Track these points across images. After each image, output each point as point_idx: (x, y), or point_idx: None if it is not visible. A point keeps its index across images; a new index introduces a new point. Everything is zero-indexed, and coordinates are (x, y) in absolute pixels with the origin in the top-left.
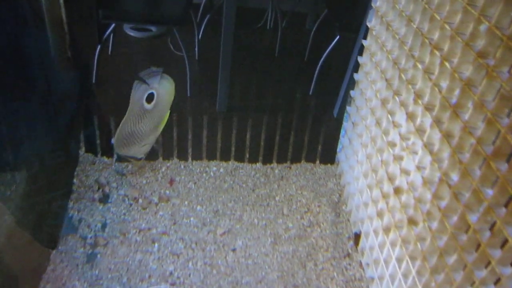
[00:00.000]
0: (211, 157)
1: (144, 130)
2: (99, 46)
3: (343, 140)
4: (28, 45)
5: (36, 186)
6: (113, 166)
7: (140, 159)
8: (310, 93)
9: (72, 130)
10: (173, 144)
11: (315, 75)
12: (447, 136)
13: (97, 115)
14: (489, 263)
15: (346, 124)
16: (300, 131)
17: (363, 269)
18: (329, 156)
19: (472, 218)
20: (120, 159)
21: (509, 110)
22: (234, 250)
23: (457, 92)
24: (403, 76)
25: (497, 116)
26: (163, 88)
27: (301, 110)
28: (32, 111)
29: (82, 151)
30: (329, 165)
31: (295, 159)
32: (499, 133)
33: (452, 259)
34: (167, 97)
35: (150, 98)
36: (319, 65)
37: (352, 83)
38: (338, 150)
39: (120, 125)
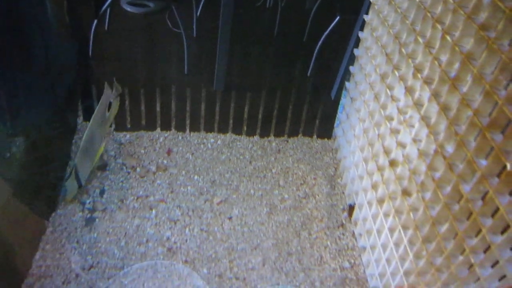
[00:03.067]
0: (209, 129)
1: (96, 140)
2: (95, 21)
3: (340, 115)
4: (26, 9)
5: (35, 151)
6: (111, 135)
7: (80, 185)
8: (309, 74)
9: (70, 98)
10: (171, 115)
11: (313, 56)
12: (444, 108)
13: (95, 85)
14: (480, 231)
15: (344, 100)
16: (298, 107)
17: (356, 239)
18: (326, 131)
19: (465, 188)
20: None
21: (508, 82)
22: (230, 218)
23: (456, 65)
24: (403, 50)
25: (495, 88)
26: (114, 106)
27: (299, 89)
28: (30, 78)
29: (80, 120)
30: (326, 139)
31: (293, 133)
32: (496, 105)
33: (443, 228)
34: (112, 115)
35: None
36: (318, 46)
37: (350, 65)
38: (335, 125)
39: (90, 123)
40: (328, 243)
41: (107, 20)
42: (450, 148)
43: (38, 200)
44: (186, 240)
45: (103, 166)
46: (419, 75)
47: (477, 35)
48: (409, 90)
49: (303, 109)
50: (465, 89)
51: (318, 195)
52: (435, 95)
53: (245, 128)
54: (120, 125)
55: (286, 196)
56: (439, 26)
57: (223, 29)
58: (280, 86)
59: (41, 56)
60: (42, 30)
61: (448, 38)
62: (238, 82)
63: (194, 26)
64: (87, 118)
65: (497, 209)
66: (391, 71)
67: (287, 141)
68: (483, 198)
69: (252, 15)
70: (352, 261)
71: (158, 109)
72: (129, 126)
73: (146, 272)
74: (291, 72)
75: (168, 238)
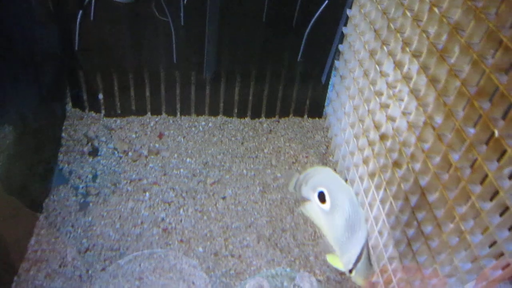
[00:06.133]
0: (199, 112)
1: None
2: (80, 12)
3: (331, 94)
4: None
5: (25, 136)
6: (101, 121)
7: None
8: (299, 59)
9: (57, 86)
10: (161, 99)
11: (303, 42)
12: (433, 80)
13: (83, 71)
14: (469, 198)
15: (334, 79)
16: (288, 89)
17: None
18: (317, 110)
19: (454, 156)
20: None
21: (495, 50)
22: (224, 198)
23: (444, 37)
24: (391, 25)
25: (482, 57)
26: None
27: (289, 73)
28: (14, 66)
29: (69, 106)
30: (317, 118)
31: (283, 114)
32: (483, 74)
33: (433, 197)
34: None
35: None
36: (307, 31)
37: (339, 44)
38: (326, 104)
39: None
40: None
41: (92, 10)
42: (439, 119)
43: (30, 186)
44: (181, 221)
45: (94, 152)
46: (407, 49)
47: (464, 5)
48: (398, 65)
49: (293, 91)
50: (453, 60)
51: None
52: (424, 67)
53: (236, 110)
54: (109, 111)
55: (278, 175)
56: None
57: (211, 16)
58: (270, 70)
59: (24, 44)
60: (25, 17)
61: (436, 10)
62: (227, 67)
63: (182, 14)
64: (75, 105)
65: (485, 176)
66: (379, 47)
67: (278, 122)
68: (471, 166)
69: (240, 1)
70: None
71: (147, 94)
72: (119, 111)
73: (142, 254)
74: (281, 57)
75: (163, 219)
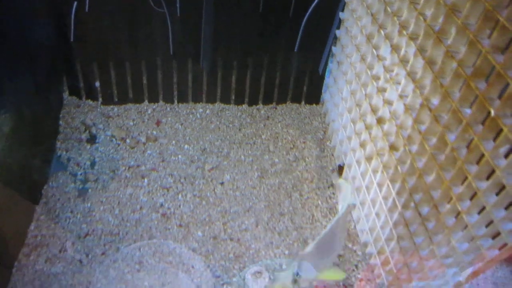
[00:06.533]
0: (197, 99)
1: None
2: (75, 3)
3: (328, 80)
4: None
5: (23, 124)
6: (98, 109)
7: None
8: (296, 49)
9: (54, 75)
10: (158, 87)
11: (300, 32)
12: (430, 63)
13: (79, 60)
14: (466, 178)
15: (331, 65)
16: (286, 77)
17: None
18: (314, 96)
19: (451, 137)
20: None
21: (491, 30)
22: (222, 183)
23: (441, 18)
24: (388, 9)
25: (479, 38)
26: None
27: (286, 63)
28: (9, 56)
29: (66, 95)
30: (314, 105)
31: (281, 100)
32: (480, 54)
33: (430, 178)
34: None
35: None
36: (304, 21)
37: (336, 29)
38: (323, 90)
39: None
40: (319, 202)
41: (87, 1)
42: (435, 101)
43: (29, 173)
44: (180, 206)
45: (91, 139)
46: (404, 32)
47: None
48: (395, 48)
49: (290, 78)
50: (449, 41)
51: (308, 158)
52: (421, 50)
53: (233, 97)
54: (106, 99)
55: (276, 160)
56: None
57: (207, 7)
58: (267, 58)
59: (21, 35)
60: (21, 9)
61: None
62: (224, 56)
63: (178, 5)
64: (72, 93)
65: (482, 156)
66: (376, 31)
67: (276, 108)
68: (468, 146)
69: None
70: None
71: (144, 82)
72: (116, 99)
73: (142, 237)
74: (278, 47)
75: (161, 205)
